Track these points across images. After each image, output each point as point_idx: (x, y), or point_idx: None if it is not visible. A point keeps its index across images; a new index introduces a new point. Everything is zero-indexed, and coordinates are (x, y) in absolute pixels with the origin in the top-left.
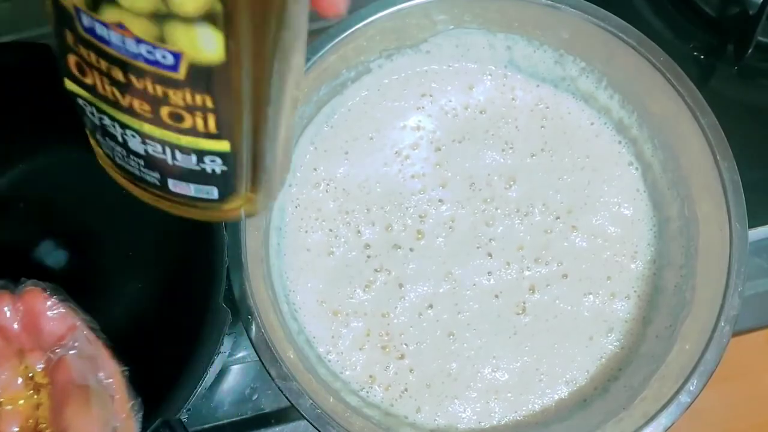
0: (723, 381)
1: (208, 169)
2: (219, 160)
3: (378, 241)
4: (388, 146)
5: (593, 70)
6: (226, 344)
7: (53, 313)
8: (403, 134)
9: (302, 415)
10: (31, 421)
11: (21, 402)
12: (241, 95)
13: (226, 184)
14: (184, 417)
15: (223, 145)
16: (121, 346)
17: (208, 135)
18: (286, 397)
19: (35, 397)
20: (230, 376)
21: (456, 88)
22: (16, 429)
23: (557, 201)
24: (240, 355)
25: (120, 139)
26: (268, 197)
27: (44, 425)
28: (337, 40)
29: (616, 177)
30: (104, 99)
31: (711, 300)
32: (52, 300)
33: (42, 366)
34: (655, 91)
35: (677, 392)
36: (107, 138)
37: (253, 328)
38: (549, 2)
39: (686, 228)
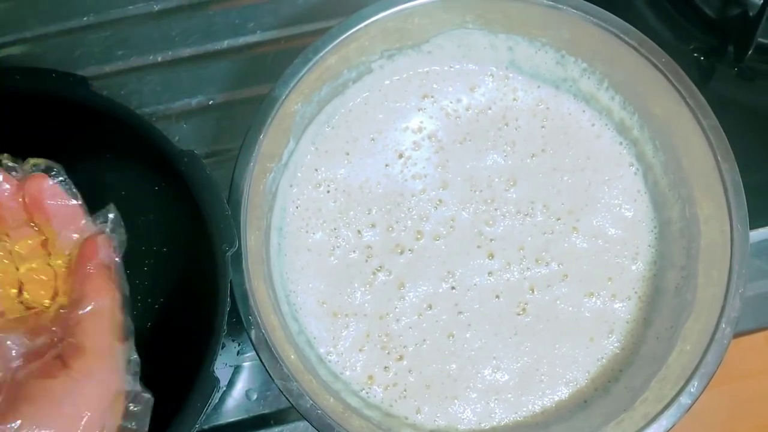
0: (724, 382)
1: None
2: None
3: (379, 241)
4: (390, 147)
5: (594, 71)
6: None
7: (57, 202)
8: (404, 135)
9: (302, 415)
10: (14, 290)
11: None
12: None
13: None
14: None
15: None
16: None
17: None
18: (287, 398)
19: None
20: (231, 376)
21: (457, 89)
22: None
23: (558, 202)
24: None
25: None
26: None
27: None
28: (338, 40)
29: (617, 178)
30: None
31: (712, 301)
32: (55, 184)
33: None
34: (657, 93)
35: (678, 394)
36: None
37: (254, 328)
38: (551, 3)
39: (687, 229)
